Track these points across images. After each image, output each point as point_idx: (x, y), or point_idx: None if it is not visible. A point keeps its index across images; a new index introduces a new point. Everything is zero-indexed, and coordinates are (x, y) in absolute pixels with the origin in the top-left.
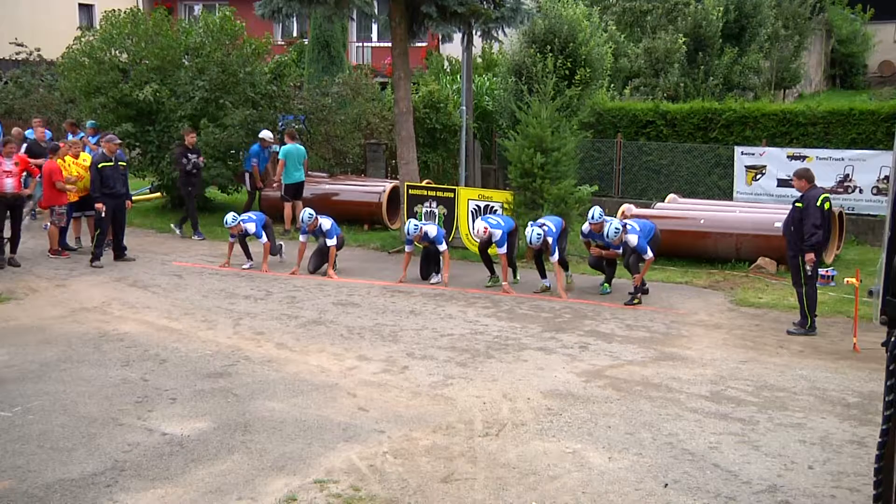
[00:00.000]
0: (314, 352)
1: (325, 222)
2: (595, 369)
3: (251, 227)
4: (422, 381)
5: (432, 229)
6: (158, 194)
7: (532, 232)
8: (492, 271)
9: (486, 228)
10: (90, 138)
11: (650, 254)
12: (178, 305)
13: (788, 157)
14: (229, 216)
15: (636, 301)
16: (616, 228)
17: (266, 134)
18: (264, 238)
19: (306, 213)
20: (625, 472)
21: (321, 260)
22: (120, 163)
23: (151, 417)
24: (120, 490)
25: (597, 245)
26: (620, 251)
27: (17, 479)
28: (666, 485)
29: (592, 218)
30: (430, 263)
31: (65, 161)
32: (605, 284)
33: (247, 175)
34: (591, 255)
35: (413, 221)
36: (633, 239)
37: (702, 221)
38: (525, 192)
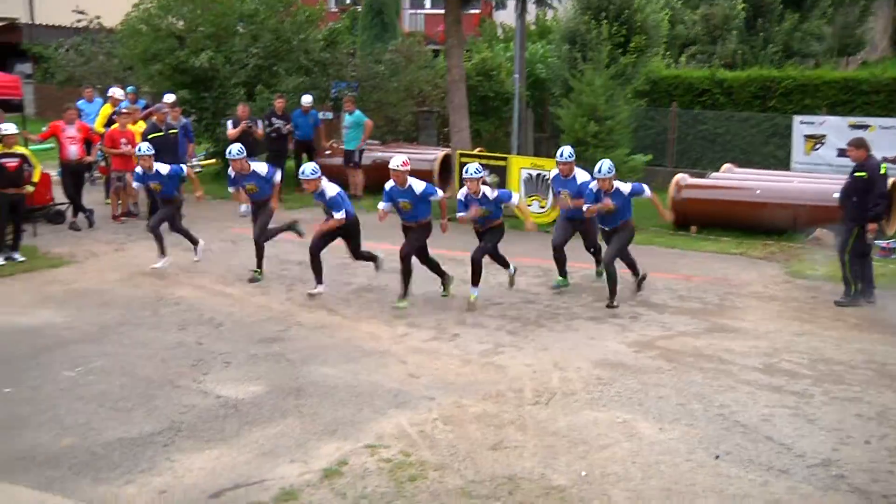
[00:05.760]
0: (365, 318)
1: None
2: (646, 340)
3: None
4: (472, 349)
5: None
6: (214, 161)
7: (603, 164)
8: (563, 273)
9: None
10: (136, 103)
11: (648, 191)
12: (233, 271)
13: (850, 126)
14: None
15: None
16: (609, 168)
17: (305, 98)
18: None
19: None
20: (675, 443)
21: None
22: (171, 131)
23: (206, 380)
24: (176, 450)
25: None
26: (610, 202)
27: (79, 437)
28: (717, 456)
29: (561, 156)
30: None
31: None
32: (561, 278)
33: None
34: (557, 228)
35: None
36: (625, 187)
37: (758, 192)
38: (577, 161)
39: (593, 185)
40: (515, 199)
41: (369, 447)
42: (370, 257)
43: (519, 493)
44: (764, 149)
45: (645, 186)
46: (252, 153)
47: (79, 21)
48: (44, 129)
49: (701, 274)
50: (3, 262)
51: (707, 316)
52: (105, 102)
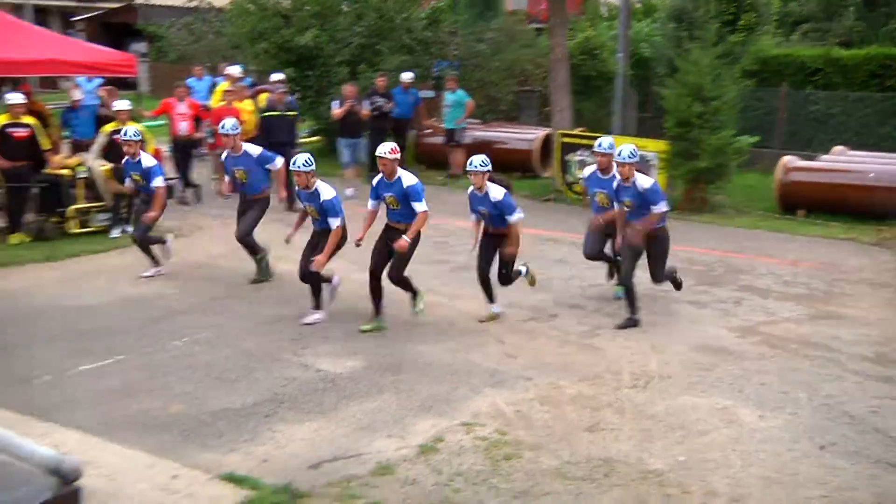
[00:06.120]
0: (463, 297)
1: (326, 190)
2: (749, 325)
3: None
4: (570, 329)
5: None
6: (318, 138)
7: (624, 148)
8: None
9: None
10: (242, 81)
11: (664, 205)
12: None
13: None
14: (301, 157)
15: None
16: (632, 152)
17: (405, 75)
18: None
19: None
20: (778, 432)
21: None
22: (288, 112)
23: (306, 354)
24: (278, 421)
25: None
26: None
27: (187, 405)
28: (822, 447)
29: (600, 146)
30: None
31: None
32: (619, 287)
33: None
34: (587, 236)
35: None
36: (645, 182)
37: (871, 175)
38: (681, 142)
39: (619, 152)
40: (517, 217)
41: (465, 425)
42: (322, 282)
43: (615, 475)
44: (880, 130)
45: (662, 202)
46: (357, 133)
47: (190, 1)
48: (157, 106)
49: (808, 259)
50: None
51: (813, 302)
52: (214, 80)
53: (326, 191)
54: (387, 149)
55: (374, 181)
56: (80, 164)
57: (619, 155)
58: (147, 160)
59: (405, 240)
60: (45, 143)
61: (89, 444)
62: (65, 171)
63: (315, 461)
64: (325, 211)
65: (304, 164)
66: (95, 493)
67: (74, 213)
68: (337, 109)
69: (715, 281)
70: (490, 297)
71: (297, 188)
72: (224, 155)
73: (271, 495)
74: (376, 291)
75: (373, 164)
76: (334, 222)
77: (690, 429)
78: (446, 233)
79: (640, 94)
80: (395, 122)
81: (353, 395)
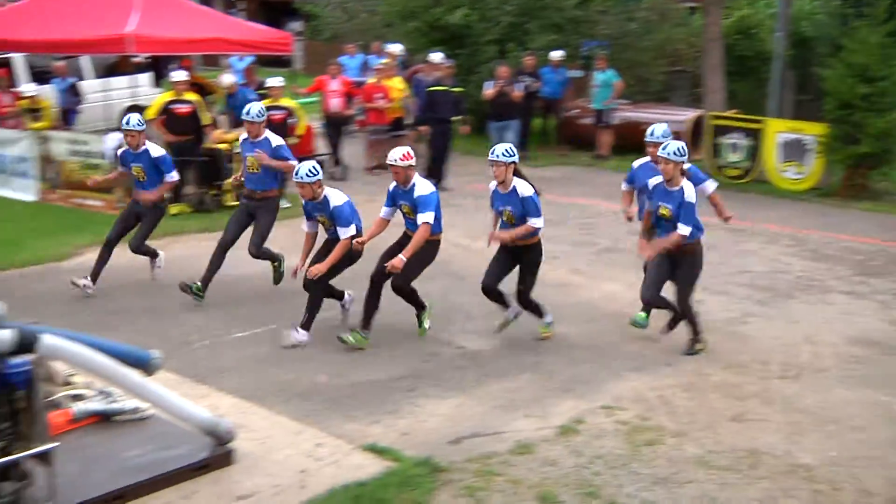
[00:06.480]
0: (606, 279)
1: (337, 196)
2: None
3: None
4: (717, 316)
5: None
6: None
7: (670, 145)
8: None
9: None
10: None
11: (685, 229)
12: (477, 225)
13: None
14: (305, 167)
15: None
16: (678, 150)
17: (556, 53)
18: None
19: (305, 167)
20: None
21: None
22: (454, 88)
23: (449, 331)
24: (419, 396)
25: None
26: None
27: (332, 375)
28: None
29: (652, 135)
30: None
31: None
32: (643, 314)
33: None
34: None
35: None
36: (691, 194)
37: None
38: (841, 126)
39: (655, 180)
40: (540, 221)
41: (606, 408)
42: (325, 295)
43: (761, 467)
44: None
45: (691, 227)
46: (507, 115)
47: None
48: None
49: None
50: None
51: None
52: (366, 58)
53: (336, 197)
54: (398, 155)
55: (391, 188)
56: (237, 140)
57: (663, 149)
58: (155, 150)
59: (400, 259)
60: (205, 119)
61: (242, 409)
62: (223, 146)
63: (455, 437)
64: (334, 218)
65: (307, 175)
66: (247, 456)
67: (230, 186)
68: (489, 90)
69: (874, 271)
70: (504, 303)
71: (302, 201)
72: (241, 139)
73: (412, 468)
74: (372, 301)
75: (523, 147)
76: (345, 232)
77: (843, 423)
78: (594, 214)
79: (799, 75)
80: (546, 101)
81: (494, 373)
